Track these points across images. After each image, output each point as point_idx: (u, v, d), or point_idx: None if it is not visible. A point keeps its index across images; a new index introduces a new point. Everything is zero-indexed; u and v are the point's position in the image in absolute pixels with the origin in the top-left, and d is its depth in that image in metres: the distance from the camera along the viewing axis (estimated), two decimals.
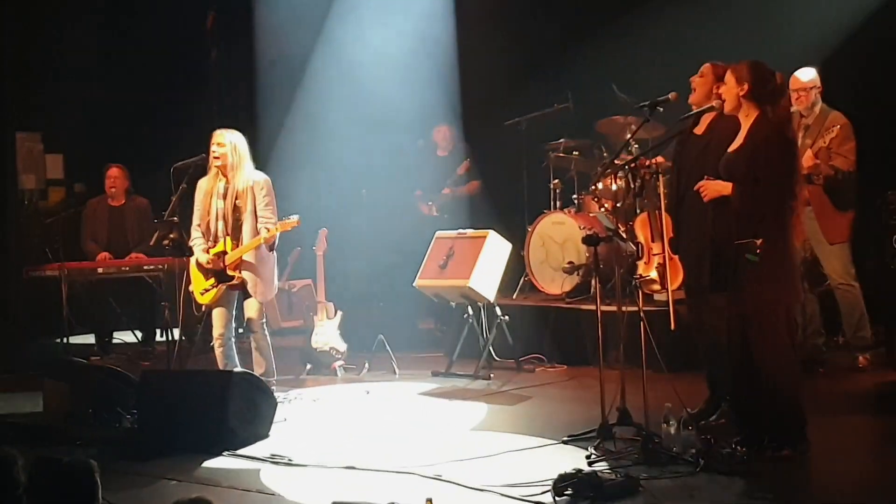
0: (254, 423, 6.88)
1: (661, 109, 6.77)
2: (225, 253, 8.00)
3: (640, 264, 7.63)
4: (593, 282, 7.87)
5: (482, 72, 11.61)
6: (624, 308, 6.57)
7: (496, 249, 9.03)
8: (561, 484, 5.38)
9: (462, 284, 8.78)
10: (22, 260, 10.68)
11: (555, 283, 9.78)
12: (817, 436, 6.00)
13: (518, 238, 10.04)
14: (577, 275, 9.49)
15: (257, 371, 8.16)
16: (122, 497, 5.49)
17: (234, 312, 8.21)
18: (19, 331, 10.43)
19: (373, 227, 11.10)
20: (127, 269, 10.52)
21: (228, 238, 8.03)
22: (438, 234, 9.39)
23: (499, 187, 11.31)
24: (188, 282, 8.19)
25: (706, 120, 6.65)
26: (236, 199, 8.02)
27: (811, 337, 8.23)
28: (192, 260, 8.21)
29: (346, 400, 8.27)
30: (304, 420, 7.54)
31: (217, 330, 8.13)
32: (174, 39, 11.67)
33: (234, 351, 8.25)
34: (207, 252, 8.04)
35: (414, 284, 9.19)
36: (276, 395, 7.40)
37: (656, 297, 8.24)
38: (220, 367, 8.09)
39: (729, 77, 6.04)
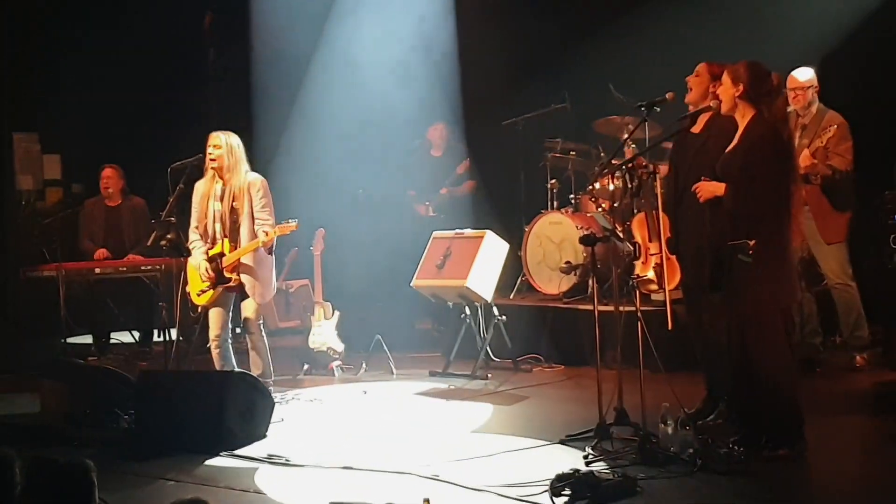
0: (251, 423, 6.88)
1: (659, 109, 6.78)
2: (222, 255, 8.00)
3: (638, 264, 7.62)
4: (590, 282, 7.87)
5: (480, 72, 11.62)
6: (621, 308, 6.57)
7: (493, 249, 9.04)
8: (558, 484, 5.38)
9: (459, 284, 8.78)
10: (19, 260, 10.68)
11: (552, 283, 9.78)
12: (815, 435, 6.01)
13: (515, 238, 10.04)
14: (575, 275, 9.49)
15: (254, 371, 8.16)
16: (119, 497, 5.48)
17: (230, 313, 8.21)
18: (17, 331, 10.42)
19: (370, 228, 11.10)
20: (124, 269, 10.52)
21: (226, 240, 8.03)
22: (436, 234, 9.39)
23: (496, 187, 11.32)
24: (185, 283, 8.19)
25: (703, 119, 6.66)
26: (233, 200, 8.02)
27: (808, 336, 8.25)
28: (190, 261, 8.21)
29: (344, 400, 8.28)
30: (301, 420, 7.54)
31: (213, 331, 8.12)
32: (172, 40, 11.66)
33: (231, 352, 8.25)
34: (207, 254, 8.02)
35: (411, 284, 9.19)
36: (273, 395, 7.40)
37: (653, 297, 8.24)
38: (218, 369, 8.09)
39: (725, 78, 6.05)
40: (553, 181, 10.47)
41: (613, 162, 7.48)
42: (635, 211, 8.18)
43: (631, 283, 6.88)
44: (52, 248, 10.44)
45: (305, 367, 9.34)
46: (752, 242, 5.72)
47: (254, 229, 7.97)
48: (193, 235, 8.16)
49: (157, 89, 11.98)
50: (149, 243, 9.99)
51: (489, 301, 8.93)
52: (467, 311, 9.10)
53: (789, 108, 7.14)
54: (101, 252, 10.59)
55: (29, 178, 12.22)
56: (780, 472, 5.72)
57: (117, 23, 11.62)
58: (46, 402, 7.66)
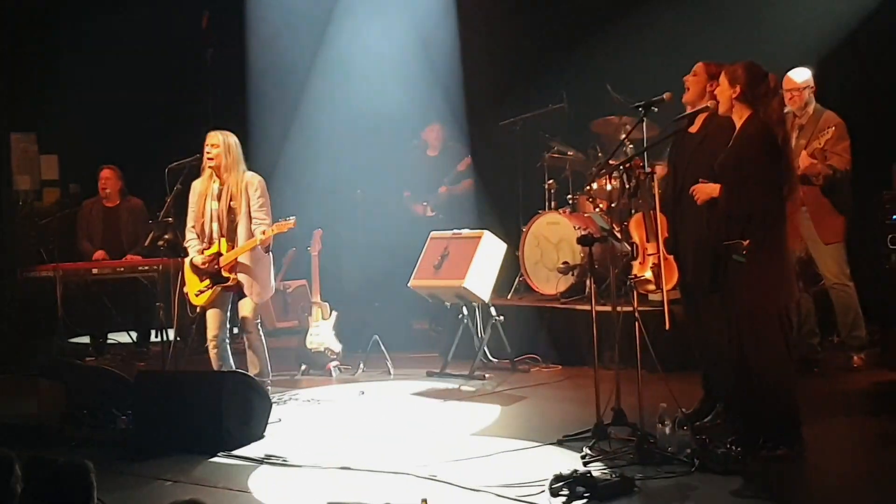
0: (249, 423, 6.87)
1: (656, 110, 6.78)
2: (220, 254, 7.99)
3: (635, 264, 7.63)
4: (588, 282, 7.87)
5: (478, 72, 11.62)
6: (619, 308, 6.57)
7: (491, 250, 9.04)
8: (556, 484, 5.39)
9: (457, 285, 8.78)
10: (17, 261, 10.67)
11: (550, 284, 9.78)
12: (813, 435, 6.02)
13: (513, 238, 10.04)
14: (572, 275, 9.50)
15: (252, 371, 8.15)
16: (116, 498, 5.48)
17: (228, 314, 8.20)
18: (14, 332, 10.41)
19: (368, 228, 11.10)
20: (122, 269, 10.52)
21: (223, 239, 8.02)
22: (433, 234, 9.39)
23: (494, 187, 11.32)
24: (182, 283, 8.18)
25: (701, 119, 6.66)
26: (231, 200, 8.01)
27: (806, 336, 8.25)
28: (187, 261, 8.20)
29: (341, 400, 8.28)
30: (299, 420, 7.54)
31: (211, 331, 8.12)
32: (169, 40, 11.66)
33: (229, 352, 8.25)
34: (202, 253, 8.02)
35: (409, 285, 9.19)
36: (270, 395, 7.40)
37: (651, 297, 8.24)
38: (215, 369, 8.09)
39: (723, 78, 6.05)
40: (550, 181, 10.47)
41: (611, 162, 7.48)
42: (633, 211, 8.20)
43: (628, 283, 6.88)
44: (49, 248, 10.45)
45: (303, 367, 9.34)
46: (745, 242, 5.73)
47: (251, 229, 7.96)
48: (190, 234, 8.15)
49: (155, 89, 11.97)
50: (146, 244, 10.01)
51: (487, 301, 8.93)
52: (465, 311, 9.10)
53: (786, 109, 7.14)
54: (100, 253, 10.59)
55: (26, 178, 12.20)
56: (778, 473, 5.72)
57: (115, 23, 11.61)
58: (44, 403, 7.65)
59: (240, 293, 8.08)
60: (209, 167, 8.04)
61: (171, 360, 8.30)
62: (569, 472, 5.44)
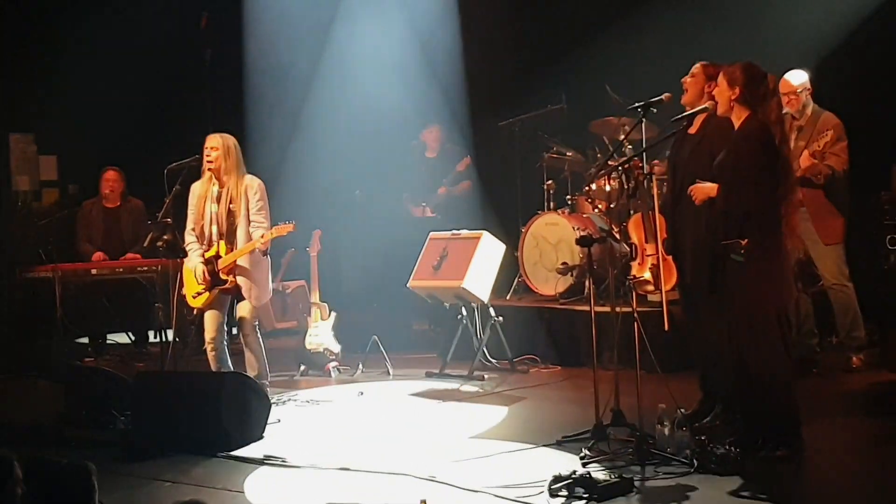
0: (247, 424, 6.87)
1: (655, 110, 6.78)
2: (219, 257, 7.99)
3: (634, 265, 7.62)
4: (587, 283, 7.87)
5: (476, 73, 11.62)
6: (618, 309, 6.57)
7: (490, 250, 9.04)
8: (555, 485, 5.39)
9: (456, 285, 8.78)
10: (16, 261, 10.66)
11: (548, 284, 9.79)
12: (812, 436, 6.03)
13: (512, 239, 10.04)
14: (571, 276, 9.50)
15: (250, 372, 8.15)
16: (115, 498, 5.49)
17: (226, 316, 8.20)
18: (13, 332, 10.40)
19: (367, 229, 11.10)
20: (121, 270, 10.52)
21: (222, 242, 8.02)
22: (432, 234, 9.39)
23: (493, 188, 11.32)
24: (181, 285, 8.18)
25: (699, 120, 6.66)
26: (230, 202, 8.01)
27: (805, 337, 8.25)
28: (186, 262, 8.20)
29: (340, 401, 8.27)
30: (297, 421, 7.54)
31: (209, 334, 8.11)
32: (168, 41, 11.65)
33: (227, 354, 8.24)
34: (204, 257, 8.01)
35: (408, 285, 9.19)
36: (269, 396, 7.39)
37: (650, 297, 8.24)
38: (214, 370, 8.09)
39: (721, 79, 6.05)
40: (549, 182, 10.48)
41: (610, 163, 7.48)
42: (632, 212, 8.19)
43: (627, 283, 6.88)
44: (48, 249, 10.44)
45: (302, 368, 9.34)
46: (743, 242, 5.74)
47: (250, 231, 7.96)
48: (190, 237, 8.15)
49: (154, 90, 11.95)
50: (145, 244, 10.01)
51: (486, 302, 8.92)
52: (464, 311, 9.10)
53: (784, 111, 7.14)
54: (99, 255, 10.59)
55: (25, 178, 12.20)
56: (777, 473, 5.73)
57: (114, 24, 11.61)
58: (42, 404, 7.67)
59: (238, 295, 8.08)
60: (209, 170, 8.04)
61: (170, 361, 8.30)
62: (568, 472, 5.45)
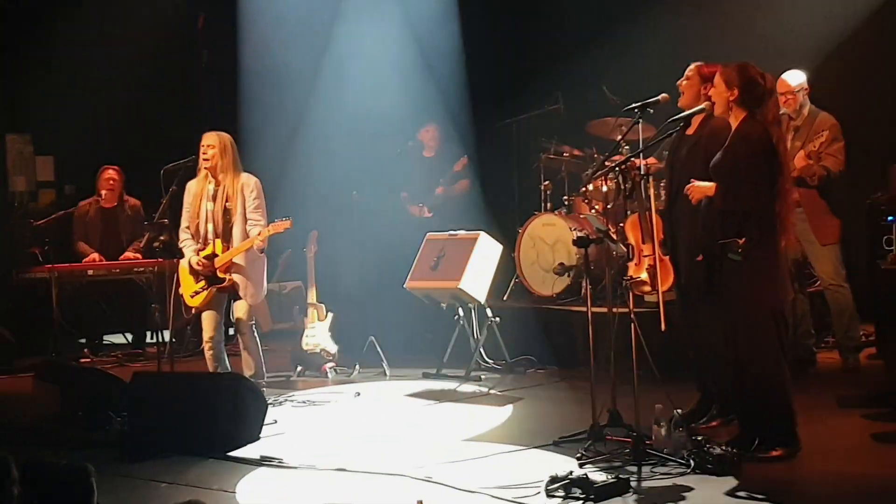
0: (244, 425, 6.86)
1: (652, 111, 6.78)
2: (215, 255, 7.99)
3: (631, 266, 7.62)
4: (584, 283, 7.87)
5: (473, 73, 11.61)
6: (614, 309, 6.57)
7: (487, 251, 9.03)
8: (552, 485, 5.39)
9: (453, 286, 8.77)
10: (12, 262, 10.66)
11: (545, 285, 9.78)
12: (808, 436, 6.03)
13: (509, 239, 10.04)
14: (568, 276, 9.50)
15: (246, 373, 8.17)
16: (112, 499, 5.48)
17: (223, 315, 8.20)
18: (9, 333, 10.39)
19: (364, 229, 11.08)
20: (117, 270, 10.52)
21: (218, 240, 8.02)
22: (429, 235, 9.39)
23: (490, 188, 11.32)
24: (178, 285, 8.17)
25: (697, 120, 6.66)
26: (226, 201, 8.02)
27: (802, 337, 8.25)
28: (182, 262, 8.20)
29: (337, 401, 8.26)
30: (294, 422, 7.53)
31: (207, 333, 8.12)
32: (165, 41, 11.65)
33: (225, 354, 8.25)
34: (198, 254, 8.02)
35: (405, 286, 9.19)
36: (266, 396, 7.38)
37: (647, 298, 8.25)
38: (211, 371, 8.09)
39: (718, 81, 6.04)
40: (546, 182, 10.48)
41: (607, 164, 7.49)
42: (628, 213, 8.20)
43: (624, 284, 6.88)
44: (44, 249, 10.43)
45: (299, 368, 9.33)
46: (741, 241, 5.75)
47: (246, 229, 7.96)
48: (184, 235, 8.15)
49: (151, 91, 11.95)
50: (142, 245, 10.02)
51: (483, 302, 8.92)
52: (461, 312, 9.10)
53: (781, 111, 7.15)
54: (94, 257, 10.58)
55: (22, 179, 12.20)
56: (774, 473, 5.73)
57: (111, 24, 11.62)
58: (39, 404, 7.65)
59: (234, 295, 8.08)
60: (205, 168, 8.05)
61: (167, 362, 8.30)
62: (564, 473, 5.45)
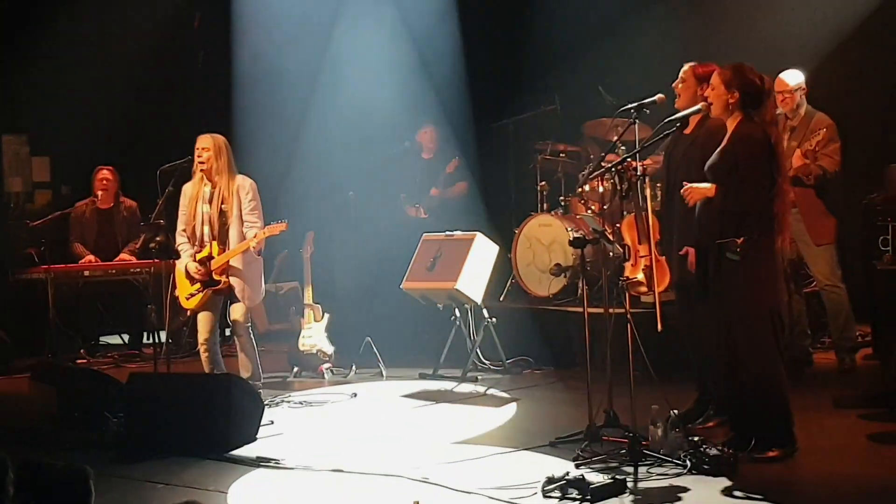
0: (240, 426, 6.86)
1: (648, 111, 6.78)
2: (211, 257, 7.99)
3: (627, 266, 7.62)
4: (580, 284, 7.87)
5: (470, 74, 11.61)
6: (611, 310, 6.57)
7: (483, 251, 9.03)
8: (548, 486, 5.39)
9: (449, 287, 8.78)
10: (8, 263, 10.65)
11: (542, 286, 9.78)
12: (804, 436, 6.03)
13: (505, 240, 10.04)
14: (564, 277, 9.50)
15: (243, 374, 8.17)
16: (108, 500, 5.47)
17: (219, 317, 8.19)
18: (5, 334, 10.38)
19: (360, 230, 11.08)
20: (113, 271, 10.51)
21: (215, 242, 8.02)
22: (425, 236, 9.39)
23: (486, 189, 11.32)
24: (174, 286, 8.17)
25: (694, 120, 6.66)
26: (222, 203, 8.02)
27: (798, 338, 8.25)
28: (178, 264, 8.20)
29: (333, 402, 8.26)
30: (291, 423, 7.52)
31: (202, 335, 8.12)
32: (160, 42, 11.64)
33: (220, 355, 8.25)
34: (195, 258, 8.02)
35: (401, 287, 9.18)
36: (262, 397, 7.38)
37: (643, 299, 8.25)
38: (207, 372, 8.09)
39: (718, 82, 6.02)
40: (543, 183, 10.47)
41: (603, 164, 7.49)
42: (625, 213, 8.21)
43: (620, 285, 6.89)
44: (41, 250, 10.42)
45: (295, 369, 9.32)
46: (739, 240, 5.75)
47: (243, 232, 7.95)
48: (181, 238, 8.16)
49: (147, 91, 11.95)
50: (138, 246, 10.01)
51: (479, 303, 8.92)
52: (457, 313, 9.10)
53: (778, 111, 7.15)
54: (89, 259, 10.58)
55: (18, 180, 12.19)
56: (771, 474, 5.74)
57: (107, 25, 11.61)
58: (35, 405, 7.65)
59: (231, 296, 8.07)
60: (200, 170, 8.05)
61: (163, 363, 8.29)
62: (561, 474, 5.45)
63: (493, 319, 8.99)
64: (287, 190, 10.54)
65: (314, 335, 9.28)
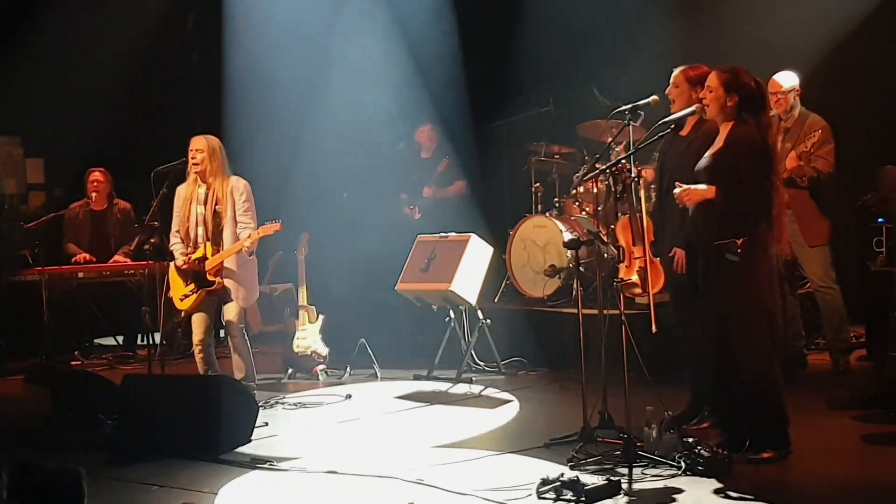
0: (235, 427, 6.85)
1: (642, 113, 6.78)
2: (205, 258, 7.98)
3: (622, 267, 7.64)
4: (575, 285, 7.87)
5: (464, 75, 11.61)
6: (605, 311, 6.57)
7: (478, 253, 9.04)
8: (543, 488, 5.39)
9: (444, 288, 8.78)
10: (2, 265, 10.63)
11: (536, 287, 9.78)
12: (799, 438, 6.03)
13: (500, 241, 10.04)
14: (559, 278, 9.50)
15: (237, 375, 8.16)
16: (102, 503, 5.47)
17: (213, 318, 8.19)
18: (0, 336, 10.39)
19: (355, 232, 11.08)
20: (107, 273, 10.50)
21: (209, 243, 8.02)
22: (420, 237, 9.39)
23: (480, 190, 11.32)
24: (168, 288, 8.17)
25: (691, 122, 6.65)
26: (216, 204, 8.02)
27: (792, 339, 8.26)
28: (173, 265, 8.20)
29: (328, 404, 8.25)
30: (285, 424, 7.52)
31: (197, 336, 8.11)
32: (154, 43, 11.63)
33: (215, 356, 8.24)
34: (189, 257, 8.02)
35: (395, 288, 9.19)
36: (256, 399, 7.38)
37: (637, 300, 8.26)
38: (201, 373, 8.09)
39: (717, 85, 5.99)
40: (537, 185, 10.48)
41: (597, 166, 7.49)
42: (619, 215, 8.22)
43: (615, 286, 6.89)
44: (35, 252, 10.41)
45: (289, 370, 9.32)
46: (739, 241, 5.74)
47: (236, 232, 7.95)
48: (174, 239, 8.16)
49: (141, 93, 11.94)
50: (132, 247, 10.00)
51: (474, 304, 8.92)
52: (452, 314, 9.10)
53: (772, 113, 7.16)
54: (84, 256, 10.56)
55: (12, 182, 12.18)
56: (765, 475, 5.74)
57: (101, 26, 11.60)
58: (30, 407, 7.64)
59: (225, 297, 8.07)
60: (194, 172, 8.04)
61: (157, 364, 8.28)
62: (555, 475, 5.45)
63: (488, 321, 8.99)
64: (281, 191, 10.53)
65: (309, 336, 9.28)
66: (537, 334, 9.44)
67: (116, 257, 10.61)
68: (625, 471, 5.74)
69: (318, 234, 9.96)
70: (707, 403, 6.66)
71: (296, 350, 9.29)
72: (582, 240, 6.75)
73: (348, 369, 9.30)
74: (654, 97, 6.74)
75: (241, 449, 6.71)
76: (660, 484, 5.60)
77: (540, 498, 5.37)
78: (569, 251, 7.28)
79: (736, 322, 5.91)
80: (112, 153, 11.45)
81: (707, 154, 6.05)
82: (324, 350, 9.27)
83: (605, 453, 6.05)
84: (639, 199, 6.89)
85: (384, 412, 7.93)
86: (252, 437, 6.94)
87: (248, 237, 7.92)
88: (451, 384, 8.70)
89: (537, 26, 11.42)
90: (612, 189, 6.46)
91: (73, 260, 10.58)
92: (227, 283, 7.99)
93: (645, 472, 5.76)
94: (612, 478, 5.52)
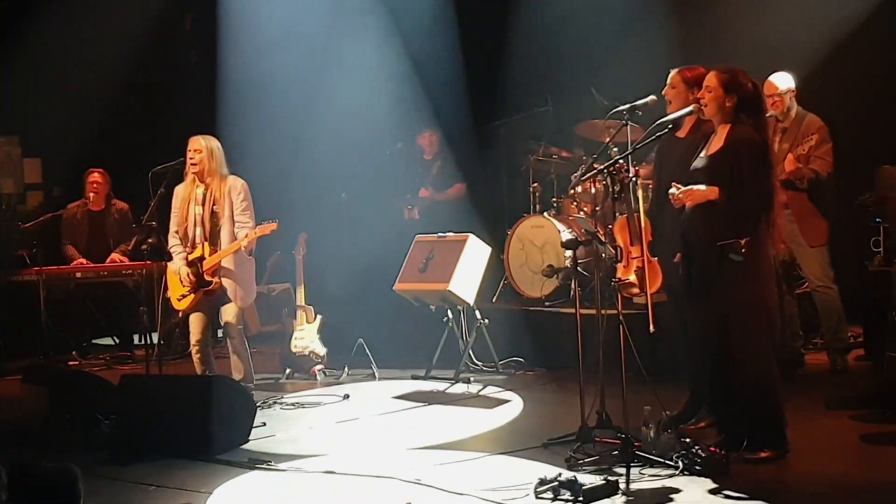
0: (232, 427, 6.86)
1: (640, 113, 6.78)
2: (203, 258, 7.98)
3: (619, 268, 7.64)
4: (573, 285, 7.87)
5: (462, 75, 11.61)
6: (603, 311, 6.57)
7: (476, 253, 9.04)
8: (541, 488, 5.40)
9: (442, 288, 8.78)
10: (0, 265, 10.63)
11: (534, 287, 9.78)
12: (796, 437, 6.04)
13: (498, 241, 10.04)
14: (557, 278, 9.50)
15: (235, 376, 8.16)
16: (100, 502, 5.47)
17: (211, 318, 8.19)
18: None
19: (353, 232, 11.08)
20: (105, 273, 10.50)
21: (206, 243, 8.02)
22: (418, 237, 9.39)
23: (478, 190, 11.32)
24: (166, 288, 8.16)
25: (689, 124, 6.65)
26: (214, 204, 8.02)
27: (790, 339, 8.26)
28: (170, 266, 8.19)
29: (326, 404, 8.25)
30: (283, 424, 7.52)
31: (194, 336, 8.11)
32: (152, 43, 11.62)
33: (212, 356, 8.24)
34: (187, 259, 8.02)
35: (394, 288, 9.18)
36: (254, 399, 7.38)
37: (635, 300, 8.25)
38: (199, 373, 8.09)
39: (716, 85, 5.99)
40: (535, 184, 10.48)
41: (595, 166, 7.49)
42: (617, 215, 8.22)
43: (613, 286, 6.89)
44: (32, 252, 10.41)
45: (287, 371, 9.32)
46: (744, 241, 5.74)
47: (234, 232, 7.95)
48: (173, 240, 8.16)
49: (138, 93, 11.94)
50: (130, 247, 9.99)
51: (471, 304, 8.92)
52: (450, 314, 9.10)
53: (769, 114, 7.15)
54: (79, 262, 10.56)
55: (9, 181, 12.18)
56: (762, 474, 5.74)
57: (99, 26, 11.59)
58: (27, 407, 7.63)
59: (223, 297, 8.06)
60: (192, 172, 8.04)
61: (155, 364, 8.28)
62: (553, 475, 5.45)
63: (486, 321, 8.99)
64: (279, 192, 10.52)
65: (306, 337, 9.28)
66: (535, 334, 9.44)
67: (114, 257, 10.59)
68: (622, 471, 5.74)
69: (317, 234, 9.96)
70: (705, 403, 6.66)
71: (294, 350, 9.29)
72: (580, 240, 6.75)
73: (346, 369, 9.30)
74: (652, 97, 6.75)
75: (238, 449, 6.70)
76: (657, 484, 5.60)
77: (538, 498, 5.38)
78: (567, 251, 7.29)
79: (736, 322, 5.91)
80: (109, 153, 11.43)
81: (703, 155, 6.05)
82: (322, 350, 9.27)
83: (602, 453, 6.06)
84: (636, 198, 6.89)
85: (382, 412, 7.93)
86: (250, 437, 6.95)
87: (246, 236, 7.92)
88: (449, 384, 8.70)
89: (536, 26, 11.43)
90: (610, 189, 6.46)
91: (71, 264, 10.57)
92: (225, 282, 7.99)
93: (642, 471, 5.77)
94: (609, 478, 5.52)
